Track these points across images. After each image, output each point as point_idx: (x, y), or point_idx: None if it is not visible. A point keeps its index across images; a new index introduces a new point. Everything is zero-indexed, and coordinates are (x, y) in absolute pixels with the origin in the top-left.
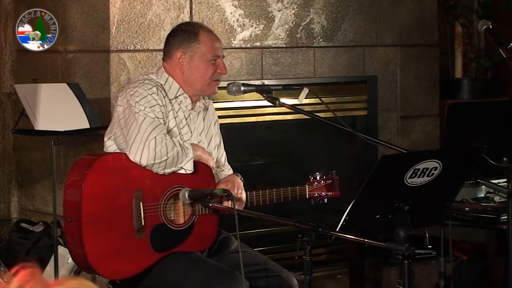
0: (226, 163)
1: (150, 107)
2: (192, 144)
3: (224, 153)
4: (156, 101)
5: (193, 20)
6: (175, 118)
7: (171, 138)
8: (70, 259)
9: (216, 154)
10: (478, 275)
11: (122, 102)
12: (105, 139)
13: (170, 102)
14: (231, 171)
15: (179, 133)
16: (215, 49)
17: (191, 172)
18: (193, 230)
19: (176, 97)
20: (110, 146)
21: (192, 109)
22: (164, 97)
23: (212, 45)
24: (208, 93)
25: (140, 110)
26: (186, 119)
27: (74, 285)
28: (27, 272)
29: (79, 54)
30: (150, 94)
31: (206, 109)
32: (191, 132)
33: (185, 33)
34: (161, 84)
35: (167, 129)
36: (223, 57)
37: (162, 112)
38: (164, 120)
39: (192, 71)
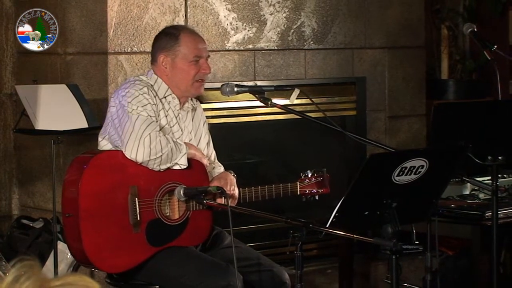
0: (216, 160)
1: (142, 106)
2: (185, 143)
3: (214, 151)
4: (147, 100)
5: (188, 24)
6: (166, 116)
7: (165, 135)
8: (69, 254)
9: (206, 152)
10: (463, 270)
11: (114, 103)
12: (99, 139)
13: (161, 101)
14: (221, 168)
15: (170, 131)
16: (197, 50)
17: (185, 167)
18: (188, 225)
19: (165, 97)
20: (104, 145)
21: (180, 109)
22: (154, 96)
23: (194, 46)
24: (193, 94)
25: (133, 109)
26: (176, 118)
27: (72, 280)
28: (25, 264)
29: (78, 56)
30: (141, 94)
31: (194, 109)
32: (181, 131)
33: (166, 36)
34: (151, 85)
35: (159, 127)
36: (208, 57)
37: (154, 111)
38: (156, 118)
39: (175, 73)
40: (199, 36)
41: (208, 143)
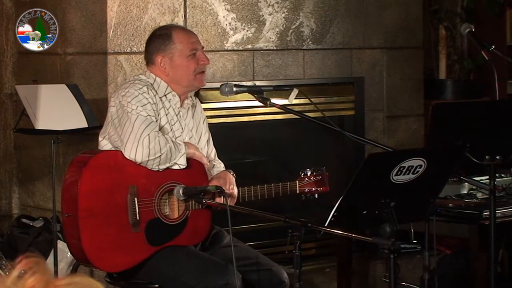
0: (216, 157)
1: (141, 106)
2: (185, 142)
3: (214, 149)
4: (147, 99)
5: (187, 24)
6: (166, 115)
7: (164, 135)
8: (69, 253)
9: (206, 150)
10: (461, 269)
11: (114, 103)
12: (100, 138)
13: (161, 100)
14: (221, 165)
15: (171, 130)
16: (191, 43)
17: (184, 166)
18: (187, 225)
19: (165, 95)
20: (105, 145)
21: (181, 106)
22: (154, 95)
23: (187, 40)
24: (196, 87)
25: (133, 109)
26: (176, 116)
27: (78, 280)
28: (31, 260)
29: (78, 56)
30: (141, 94)
31: (194, 106)
32: (182, 129)
33: (159, 38)
34: (151, 83)
35: (159, 126)
36: (203, 48)
37: (154, 110)
38: (156, 118)
39: (176, 71)
40: (190, 30)
41: (208, 141)
